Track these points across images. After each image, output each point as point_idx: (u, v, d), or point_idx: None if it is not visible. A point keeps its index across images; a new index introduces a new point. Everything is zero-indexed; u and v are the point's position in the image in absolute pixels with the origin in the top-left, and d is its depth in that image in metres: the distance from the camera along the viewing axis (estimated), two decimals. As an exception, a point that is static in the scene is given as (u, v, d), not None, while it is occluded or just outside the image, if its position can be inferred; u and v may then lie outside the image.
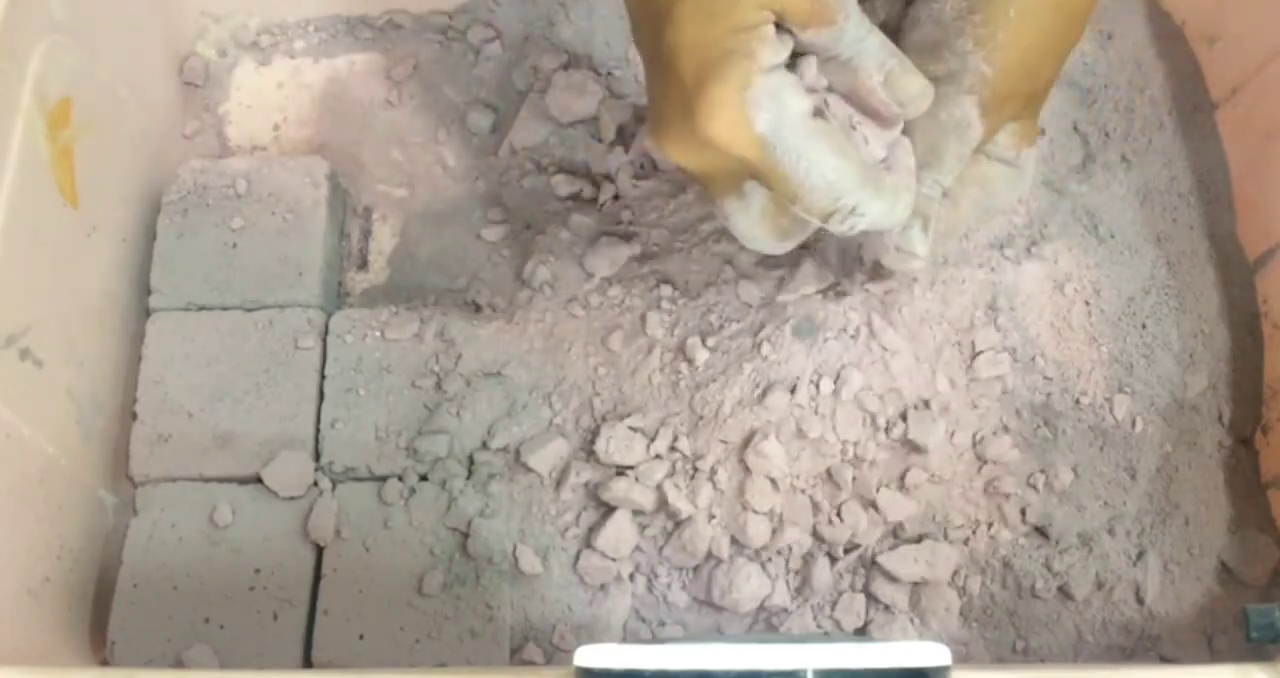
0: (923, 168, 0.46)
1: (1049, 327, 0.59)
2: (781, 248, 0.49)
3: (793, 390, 0.54)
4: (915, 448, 0.55)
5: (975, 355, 0.57)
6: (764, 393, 0.55)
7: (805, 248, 0.57)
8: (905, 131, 0.46)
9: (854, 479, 0.55)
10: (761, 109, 0.41)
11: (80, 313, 0.58)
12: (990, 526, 0.56)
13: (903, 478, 0.55)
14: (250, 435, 0.58)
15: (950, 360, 0.57)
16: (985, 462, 0.56)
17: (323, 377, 0.60)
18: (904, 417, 0.55)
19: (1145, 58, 0.68)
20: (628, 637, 0.55)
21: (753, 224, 0.47)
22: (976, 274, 0.58)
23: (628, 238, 0.61)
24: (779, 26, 0.42)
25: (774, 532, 0.55)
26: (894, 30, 0.49)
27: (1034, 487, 0.56)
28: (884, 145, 0.46)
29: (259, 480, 0.57)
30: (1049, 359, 0.58)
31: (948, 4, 0.47)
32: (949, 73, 0.46)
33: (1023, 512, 0.56)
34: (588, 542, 0.55)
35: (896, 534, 0.55)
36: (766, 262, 0.58)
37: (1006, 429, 0.56)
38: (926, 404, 0.55)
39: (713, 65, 0.42)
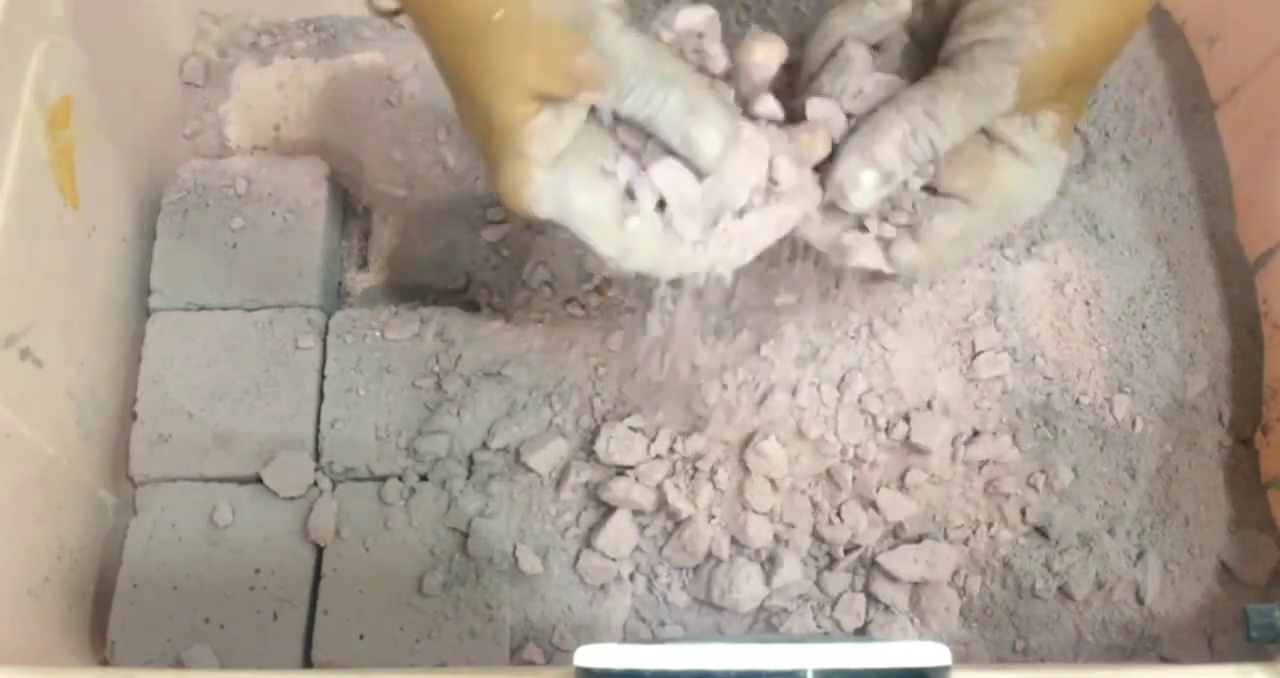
0: (929, 123, 0.44)
1: (1049, 327, 0.59)
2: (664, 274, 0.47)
3: (793, 392, 0.54)
4: (915, 449, 0.55)
5: (975, 355, 0.57)
6: (764, 394, 0.54)
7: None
8: (935, 85, 0.44)
9: (854, 479, 0.55)
10: (541, 202, 0.44)
11: (80, 313, 0.58)
12: (990, 525, 0.56)
13: (903, 478, 0.55)
14: (250, 435, 0.58)
15: (950, 360, 0.57)
16: (985, 462, 0.56)
17: (323, 377, 0.60)
18: (905, 418, 0.55)
19: (1145, 58, 0.68)
20: (628, 637, 0.55)
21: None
22: (976, 274, 0.58)
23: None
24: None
25: (774, 532, 0.55)
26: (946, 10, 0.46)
27: (1034, 487, 0.56)
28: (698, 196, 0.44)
29: (259, 480, 0.57)
30: (1049, 359, 0.58)
31: None
32: (1001, 38, 0.44)
33: (1023, 512, 0.56)
34: (588, 542, 0.55)
35: (896, 534, 0.55)
36: (766, 263, 0.58)
37: (1007, 429, 0.56)
38: (928, 405, 0.55)
39: (494, 159, 0.44)
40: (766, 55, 0.45)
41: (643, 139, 0.44)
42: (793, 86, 0.49)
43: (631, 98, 0.43)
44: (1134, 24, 0.47)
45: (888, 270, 0.46)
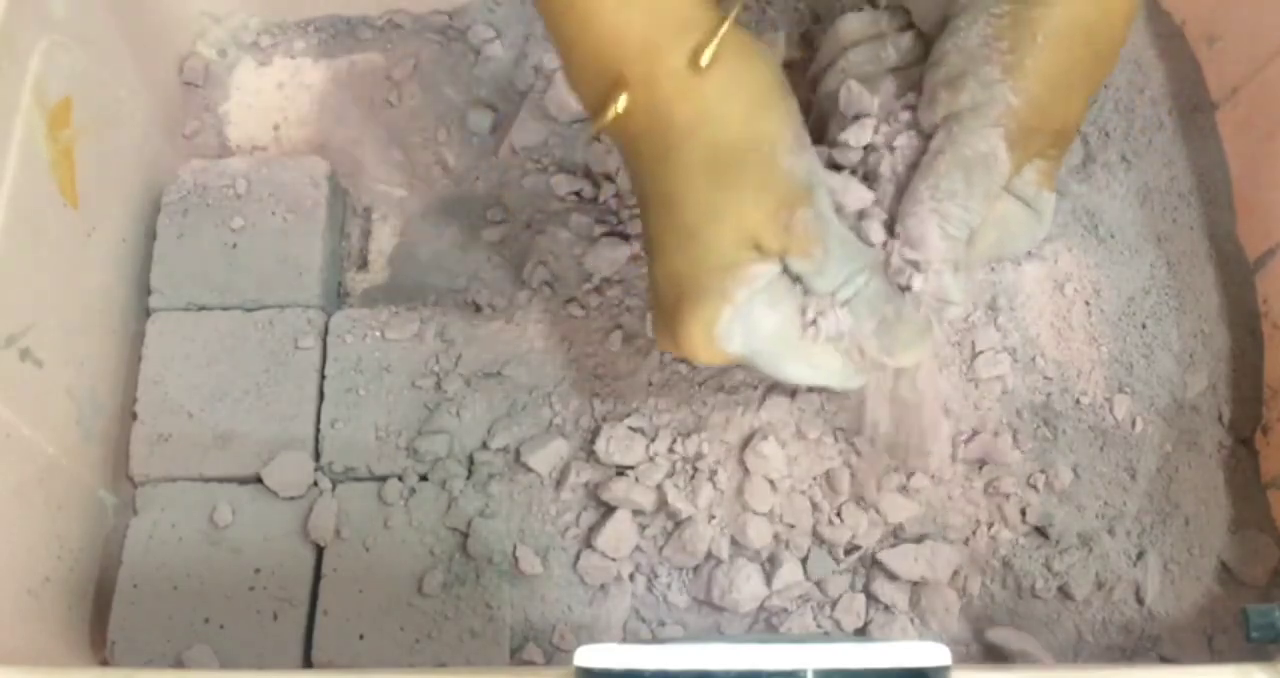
0: (953, 208, 0.45)
1: (1049, 327, 0.59)
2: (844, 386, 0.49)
3: (792, 394, 0.54)
4: (917, 449, 0.55)
5: (975, 355, 0.57)
6: (764, 395, 0.54)
7: None
8: (931, 172, 0.46)
9: (854, 480, 0.55)
10: (732, 339, 0.44)
11: (80, 313, 0.58)
12: (990, 526, 0.56)
13: (903, 478, 0.55)
14: (250, 435, 0.58)
15: (950, 360, 0.57)
16: (985, 462, 0.56)
17: (323, 377, 0.60)
18: (903, 430, 0.55)
19: (1145, 58, 0.68)
20: (628, 637, 0.55)
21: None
22: (976, 274, 0.58)
23: (628, 238, 0.61)
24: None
25: (774, 532, 0.54)
26: (915, 72, 0.48)
27: (1034, 487, 0.56)
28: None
29: (259, 480, 0.57)
30: (1049, 359, 0.58)
31: (973, 32, 0.45)
32: (974, 104, 0.45)
33: (1023, 512, 0.56)
34: (588, 542, 0.55)
35: (897, 535, 0.55)
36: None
37: (1007, 429, 0.56)
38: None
39: (688, 299, 0.44)
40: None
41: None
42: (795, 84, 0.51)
43: (833, 274, 0.44)
44: (1106, 62, 0.47)
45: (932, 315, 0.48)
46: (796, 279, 0.45)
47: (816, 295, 0.45)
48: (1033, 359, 0.58)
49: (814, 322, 0.45)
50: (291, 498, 0.57)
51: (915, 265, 0.46)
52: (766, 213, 0.43)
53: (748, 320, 0.44)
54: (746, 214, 0.43)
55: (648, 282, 0.48)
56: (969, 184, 0.45)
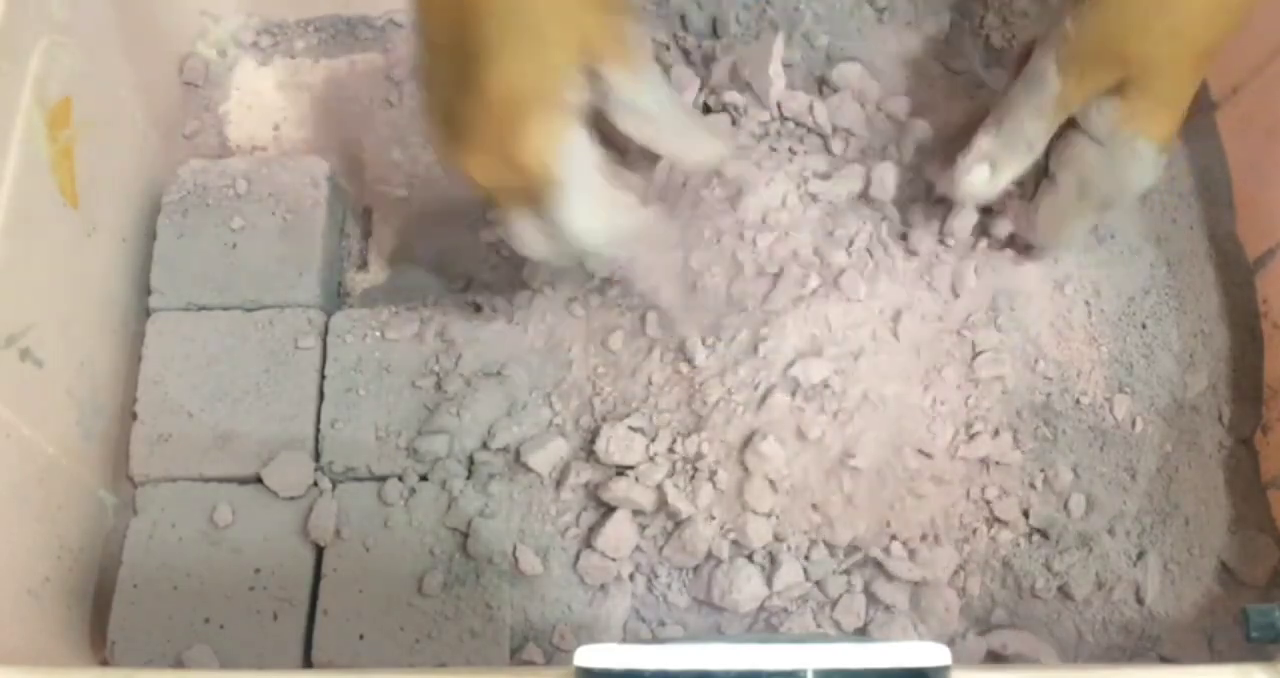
0: (1006, 116, 0.52)
1: (1049, 326, 0.59)
2: (557, 257, 0.52)
3: (793, 393, 0.54)
4: (917, 449, 0.55)
5: (976, 355, 0.57)
6: (764, 395, 0.54)
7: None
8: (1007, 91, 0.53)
9: (854, 480, 0.55)
10: (568, 159, 0.47)
11: (80, 313, 0.58)
12: (990, 526, 0.56)
13: (904, 478, 0.55)
14: (250, 435, 0.58)
15: (951, 360, 0.57)
16: (986, 462, 0.56)
17: (323, 377, 0.60)
18: (901, 415, 0.55)
19: (1145, 58, 0.68)
20: (628, 637, 0.55)
21: (534, 239, 0.51)
22: (976, 275, 0.58)
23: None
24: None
25: (774, 533, 0.54)
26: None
27: (1034, 487, 0.56)
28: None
29: (259, 481, 0.57)
30: (1049, 359, 0.58)
31: None
32: (1044, 36, 0.51)
33: (1024, 512, 0.56)
34: (588, 542, 0.55)
35: (897, 535, 0.55)
36: (764, 266, 0.58)
37: (1007, 429, 0.56)
38: (930, 405, 0.55)
39: (527, 104, 0.45)
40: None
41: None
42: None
43: (648, 89, 0.48)
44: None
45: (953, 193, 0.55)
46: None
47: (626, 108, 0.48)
48: (1034, 360, 0.57)
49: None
50: (291, 498, 0.57)
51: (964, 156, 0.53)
52: (601, 18, 0.46)
53: (581, 153, 0.47)
54: (588, 17, 0.45)
55: (433, 102, 0.48)
56: (1024, 97, 0.51)
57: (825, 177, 0.60)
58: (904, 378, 0.55)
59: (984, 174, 0.53)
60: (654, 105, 0.49)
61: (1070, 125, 0.52)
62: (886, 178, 0.59)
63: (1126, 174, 0.52)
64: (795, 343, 0.55)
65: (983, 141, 0.53)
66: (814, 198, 0.59)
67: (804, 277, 0.57)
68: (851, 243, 0.58)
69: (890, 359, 0.56)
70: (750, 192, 0.58)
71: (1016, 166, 0.53)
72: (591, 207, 0.48)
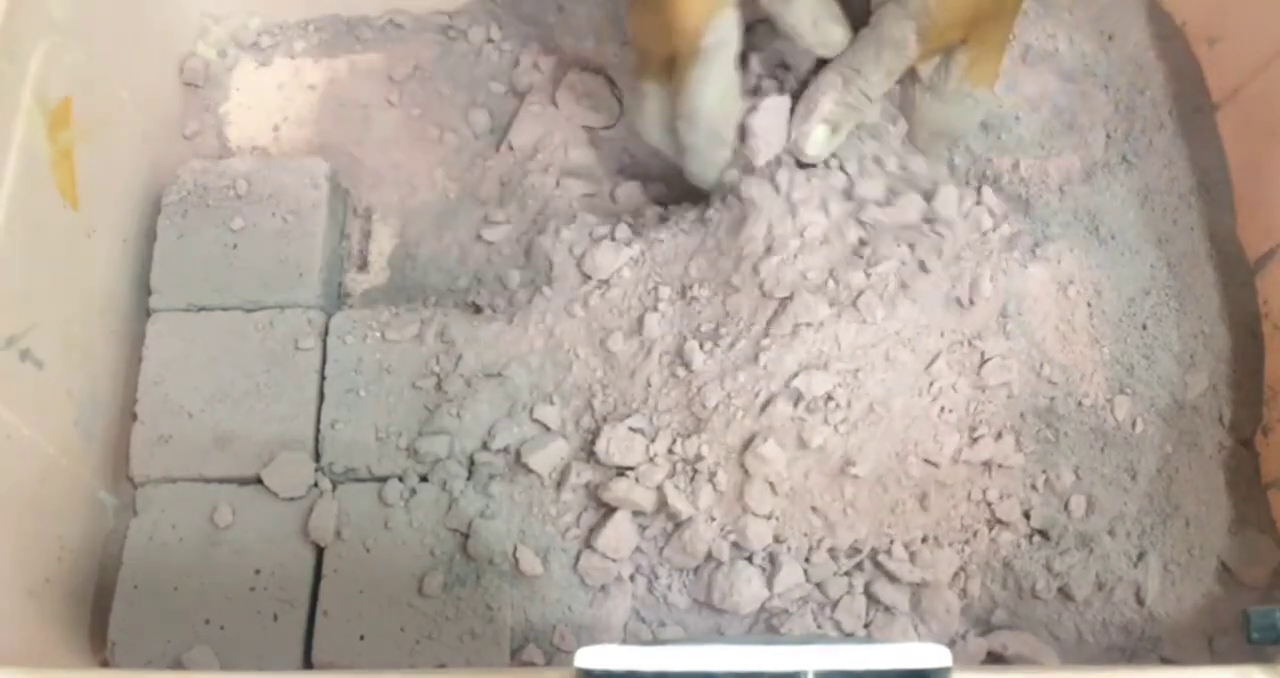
0: (854, 75, 0.54)
1: (1054, 330, 0.58)
2: (662, 142, 0.58)
3: (795, 403, 0.54)
4: (922, 458, 0.55)
5: (984, 362, 0.56)
6: (765, 404, 0.54)
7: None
8: (853, 47, 0.54)
9: (855, 485, 0.54)
10: (715, 31, 0.52)
11: (80, 313, 0.58)
12: (991, 527, 0.56)
13: (905, 480, 0.55)
14: (250, 436, 0.58)
15: (961, 370, 0.56)
16: (988, 465, 0.56)
17: (323, 377, 0.60)
18: (903, 431, 0.55)
19: (1145, 58, 0.68)
20: (628, 638, 0.55)
21: (653, 121, 0.57)
22: (989, 284, 0.57)
23: (628, 240, 0.61)
24: None
25: (774, 534, 0.54)
26: None
27: (1035, 488, 0.56)
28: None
29: (259, 481, 0.57)
30: (1054, 363, 0.58)
31: None
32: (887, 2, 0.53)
33: (1025, 514, 0.56)
34: (588, 542, 0.55)
35: (898, 537, 0.55)
36: (764, 269, 0.58)
37: (1010, 432, 0.56)
38: (940, 413, 0.55)
39: None
40: None
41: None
42: None
43: None
44: None
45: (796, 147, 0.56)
46: None
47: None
48: (1039, 364, 0.57)
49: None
50: (291, 499, 0.57)
51: (804, 116, 0.55)
52: None
53: (730, 27, 0.52)
54: None
55: None
56: (876, 60, 0.54)
57: (884, 202, 0.57)
58: (912, 390, 0.55)
59: (825, 134, 0.55)
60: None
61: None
62: (948, 199, 0.57)
63: (968, 117, 0.58)
64: (800, 357, 0.54)
65: (825, 104, 0.55)
66: (859, 223, 0.57)
67: (813, 303, 0.55)
68: (877, 264, 0.55)
69: (899, 375, 0.55)
70: (759, 216, 0.56)
71: (856, 121, 0.56)
72: (721, 87, 0.53)
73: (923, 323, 0.55)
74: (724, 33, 0.52)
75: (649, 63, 0.55)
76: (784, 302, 0.55)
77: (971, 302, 0.56)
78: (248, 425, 0.58)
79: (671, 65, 0.53)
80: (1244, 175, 0.65)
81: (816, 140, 0.55)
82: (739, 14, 0.53)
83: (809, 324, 0.54)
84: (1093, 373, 0.58)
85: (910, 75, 0.56)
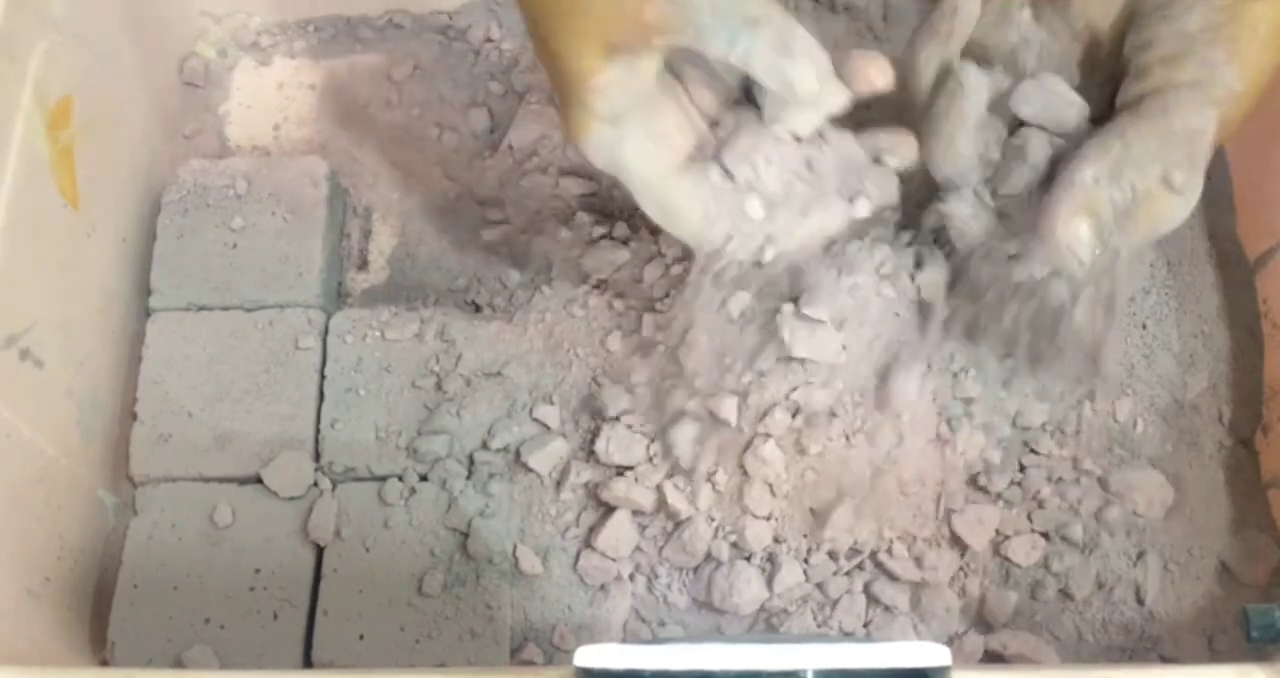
0: (1128, 170, 0.45)
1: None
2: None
3: (794, 414, 0.54)
4: (922, 460, 0.54)
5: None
6: (764, 413, 0.54)
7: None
8: (1121, 134, 0.45)
9: (855, 486, 0.54)
10: (597, 153, 0.47)
11: (80, 313, 0.58)
12: (991, 527, 0.55)
13: (904, 481, 0.55)
14: (250, 436, 0.58)
15: (965, 379, 0.56)
16: (989, 465, 0.56)
17: (323, 377, 0.60)
18: (902, 433, 0.54)
19: (1145, 58, 0.68)
20: (628, 637, 0.55)
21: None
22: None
23: (626, 240, 0.61)
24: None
25: (774, 535, 0.54)
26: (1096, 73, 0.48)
27: (1036, 489, 0.56)
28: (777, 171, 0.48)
29: (259, 481, 0.57)
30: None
31: (1192, 18, 0.45)
32: (1194, 81, 0.44)
33: (1028, 515, 0.55)
34: (588, 542, 0.55)
35: (897, 537, 0.55)
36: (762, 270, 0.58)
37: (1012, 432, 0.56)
38: (942, 419, 0.55)
39: (562, 104, 0.46)
40: (876, 77, 0.46)
41: (721, 106, 0.48)
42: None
43: (716, 41, 0.44)
44: None
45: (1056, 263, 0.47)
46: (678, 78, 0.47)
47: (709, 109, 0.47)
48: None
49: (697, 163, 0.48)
50: (291, 498, 0.57)
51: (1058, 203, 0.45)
52: (604, 15, 0.43)
53: (616, 147, 0.47)
54: (586, 22, 0.43)
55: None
56: (1159, 155, 0.44)
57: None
58: (918, 405, 0.55)
59: (1089, 235, 0.45)
60: (734, 53, 0.44)
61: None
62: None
63: (1187, 212, 0.48)
64: (802, 374, 0.54)
65: (1091, 200, 0.44)
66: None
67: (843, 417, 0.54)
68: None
69: (907, 391, 0.55)
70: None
71: (1108, 230, 0.46)
72: (649, 201, 0.49)
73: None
74: (609, 152, 0.47)
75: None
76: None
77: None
78: (247, 425, 0.58)
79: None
80: (1244, 175, 0.65)
81: (1085, 243, 0.45)
82: (626, 118, 0.46)
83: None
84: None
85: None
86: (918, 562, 0.54)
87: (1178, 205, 0.47)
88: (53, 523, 0.55)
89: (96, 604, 0.57)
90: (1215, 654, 0.55)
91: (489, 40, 0.71)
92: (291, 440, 0.58)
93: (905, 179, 0.51)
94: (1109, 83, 0.48)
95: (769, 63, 0.44)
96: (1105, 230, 0.45)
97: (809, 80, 0.45)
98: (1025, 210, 0.47)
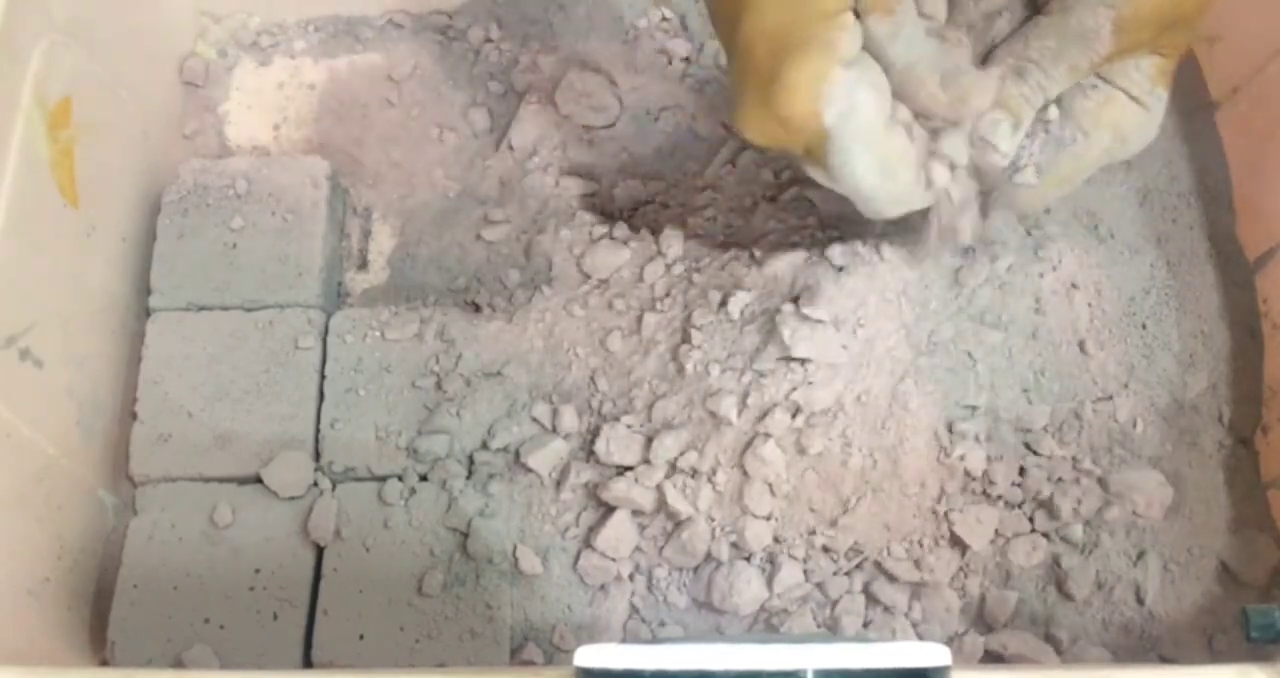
0: (1032, 67, 0.46)
1: (1060, 332, 0.58)
2: (896, 209, 0.49)
3: (794, 414, 0.54)
4: (922, 460, 0.54)
5: (992, 371, 0.56)
6: (764, 413, 0.54)
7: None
8: (1030, 30, 0.47)
9: (855, 487, 0.54)
10: (834, 103, 0.43)
11: (80, 313, 0.58)
12: (991, 527, 0.55)
13: (905, 481, 0.55)
14: (250, 436, 0.58)
15: (968, 383, 0.56)
16: (989, 465, 0.56)
17: (323, 377, 0.60)
18: (903, 433, 0.54)
19: (1145, 58, 0.68)
20: (627, 637, 0.55)
21: (837, 205, 0.49)
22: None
23: (626, 240, 0.61)
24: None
25: (774, 535, 0.54)
26: None
27: (1036, 489, 0.56)
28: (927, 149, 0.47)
29: (259, 481, 0.57)
30: (1058, 366, 0.57)
31: None
32: None
33: (1029, 517, 0.55)
34: (588, 542, 0.55)
35: (897, 537, 0.55)
36: (762, 272, 0.58)
37: (1011, 432, 0.56)
38: (945, 421, 0.55)
39: (793, 51, 0.43)
40: None
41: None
42: None
43: (906, 37, 0.45)
44: None
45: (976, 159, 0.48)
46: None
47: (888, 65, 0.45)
48: (1041, 365, 0.57)
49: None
50: (291, 498, 0.57)
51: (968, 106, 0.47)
52: None
53: (854, 93, 0.44)
54: None
55: (726, 60, 0.46)
56: (1059, 53, 0.46)
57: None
58: (919, 405, 0.55)
59: (1007, 129, 0.47)
60: (903, 53, 0.45)
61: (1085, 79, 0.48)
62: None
63: (1154, 128, 0.49)
64: (802, 374, 0.54)
65: (1004, 95, 0.46)
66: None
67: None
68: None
69: (907, 392, 0.55)
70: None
71: (1029, 121, 0.48)
72: (875, 159, 0.45)
73: (936, 346, 0.55)
74: (847, 98, 0.44)
75: (795, 161, 0.47)
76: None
77: (989, 323, 0.56)
78: (247, 425, 0.58)
79: (810, 153, 0.45)
80: (1244, 175, 0.65)
81: (1006, 137, 0.47)
82: (866, 73, 0.44)
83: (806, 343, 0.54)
84: (1094, 373, 0.58)
85: (1099, 79, 0.48)
86: (917, 562, 0.54)
87: (1139, 116, 0.48)
88: (53, 523, 0.55)
89: (96, 604, 0.57)
90: (1215, 654, 0.55)
91: (489, 40, 0.71)
92: (291, 440, 0.58)
93: None
94: None
95: (936, 62, 0.46)
96: (1021, 120, 0.47)
97: (972, 86, 0.47)
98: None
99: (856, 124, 0.44)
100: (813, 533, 0.55)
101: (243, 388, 0.59)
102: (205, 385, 0.59)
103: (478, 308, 0.62)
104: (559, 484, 0.57)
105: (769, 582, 0.54)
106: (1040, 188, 0.50)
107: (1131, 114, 0.48)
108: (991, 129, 0.47)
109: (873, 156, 0.45)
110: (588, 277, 0.60)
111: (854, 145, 0.45)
